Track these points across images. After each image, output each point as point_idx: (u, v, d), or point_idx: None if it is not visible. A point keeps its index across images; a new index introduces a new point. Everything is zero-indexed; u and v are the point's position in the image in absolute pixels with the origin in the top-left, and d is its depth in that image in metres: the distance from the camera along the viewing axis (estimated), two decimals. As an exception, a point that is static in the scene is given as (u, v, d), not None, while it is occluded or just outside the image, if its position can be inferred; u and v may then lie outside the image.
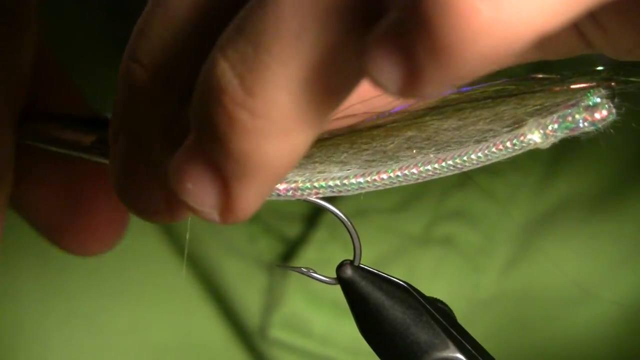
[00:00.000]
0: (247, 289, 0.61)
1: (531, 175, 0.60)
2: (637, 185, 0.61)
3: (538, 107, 0.34)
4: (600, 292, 0.60)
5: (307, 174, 0.36)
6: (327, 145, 0.35)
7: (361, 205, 0.59)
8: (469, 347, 0.34)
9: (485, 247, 0.60)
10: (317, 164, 0.36)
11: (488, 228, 0.60)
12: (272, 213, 0.61)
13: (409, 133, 0.35)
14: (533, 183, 0.60)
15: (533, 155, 0.59)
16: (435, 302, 0.35)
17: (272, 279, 0.61)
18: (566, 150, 0.60)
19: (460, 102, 0.35)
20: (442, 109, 0.35)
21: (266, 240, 0.62)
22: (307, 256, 0.60)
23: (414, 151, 0.35)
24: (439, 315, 0.34)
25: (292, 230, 0.61)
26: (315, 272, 0.36)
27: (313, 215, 0.61)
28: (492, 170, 0.59)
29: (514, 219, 0.60)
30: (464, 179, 0.59)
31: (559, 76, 0.34)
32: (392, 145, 0.35)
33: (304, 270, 0.36)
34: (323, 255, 0.60)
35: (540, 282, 0.61)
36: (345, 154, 0.35)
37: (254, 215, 0.60)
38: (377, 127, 0.35)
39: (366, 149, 0.35)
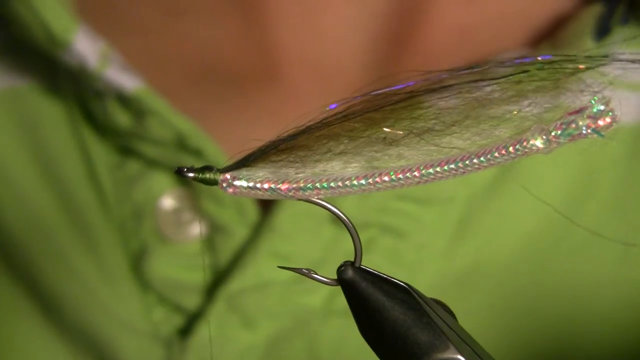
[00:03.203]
0: None
1: (439, 238, 0.57)
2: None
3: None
4: None
5: (308, 172, 0.36)
6: (325, 135, 0.35)
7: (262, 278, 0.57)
8: (470, 348, 0.34)
9: None
10: (318, 163, 0.36)
11: None
12: (166, 282, 0.59)
13: (405, 116, 0.35)
14: (441, 246, 0.57)
15: (441, 215, 0.56)
16: (435, 304, 0.35)
17: (170, 355, 0.58)
18: (475, 210, 0.57)
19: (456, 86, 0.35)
20: (440, 91, 0.35)
21: (162, 312, 0.59)
22: (205, 333, 0.57)
23: (412, 136, 0.35)
24: (440, 316, 0.35)
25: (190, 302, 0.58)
26: (316, 273, 0.36)
27: (211, 287, 0.58)
28: (398, 232, 0.56)
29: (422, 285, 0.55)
30: (368, 244, 0.56)
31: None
32: (389, 131, 0.35)
33: (305, 271, 0.36)
34: (222, 332, 0.57)
35: None
36: (344, 145, 0.35)
37: (147, 284, 0.58)
38: (374, 111, 0.35)
39: (365, 137, 0.35)
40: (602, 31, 0.54)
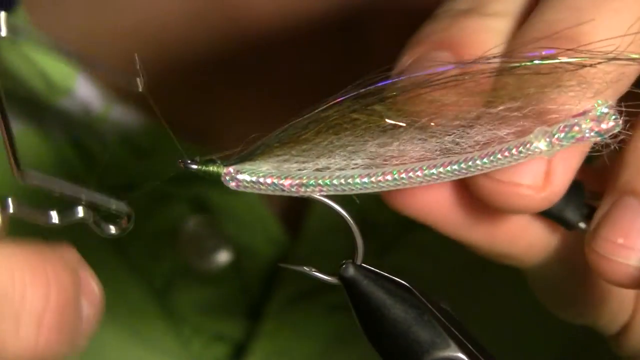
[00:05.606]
0: None
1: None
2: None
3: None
4: None
5: (311, 165, 0.36)
6: (328, 127, 0.35)
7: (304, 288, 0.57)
8: (470, 346, 0.34)
9: None
10: (320, 157, 0.36)
11: None
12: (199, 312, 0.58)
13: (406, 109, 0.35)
14: None
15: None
16: (437, 302, 0.35)
17: None
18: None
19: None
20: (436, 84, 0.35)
21: (200, 342, 0.58)
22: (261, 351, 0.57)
23: (413, 130, 0.35)
24: (441, 314, 0.35)
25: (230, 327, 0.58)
26: (317, 272, 0.36)
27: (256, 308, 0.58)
28: None
29: None
30: None
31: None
32: (391, 122, 0.35)
33: (306, 269, 0.36)
34: (277, 347, 0.57)
35: None
36: (345, 137, 0.35)
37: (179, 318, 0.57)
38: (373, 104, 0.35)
39: (365, 129, 0.35)
40: None
